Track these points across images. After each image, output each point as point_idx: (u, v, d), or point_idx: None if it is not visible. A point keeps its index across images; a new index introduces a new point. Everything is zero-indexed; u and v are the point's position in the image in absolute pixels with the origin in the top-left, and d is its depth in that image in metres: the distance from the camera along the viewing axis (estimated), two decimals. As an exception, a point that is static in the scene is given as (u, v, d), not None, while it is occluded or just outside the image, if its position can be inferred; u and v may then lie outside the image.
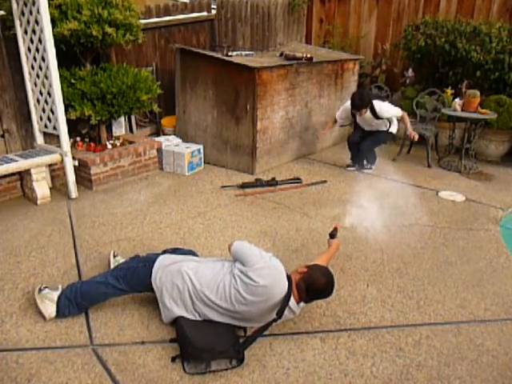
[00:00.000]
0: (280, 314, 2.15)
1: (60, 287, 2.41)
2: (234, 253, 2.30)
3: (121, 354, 2.15)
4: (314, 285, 2.21)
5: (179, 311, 2.25)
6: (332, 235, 2.79)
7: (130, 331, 2.30)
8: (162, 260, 2.37)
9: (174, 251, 2.64)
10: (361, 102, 4.47)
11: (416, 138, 4.65)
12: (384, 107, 4.55)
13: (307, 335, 2.33)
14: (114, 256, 2.83)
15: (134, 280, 2.33)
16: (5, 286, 2.64)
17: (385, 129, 4.69)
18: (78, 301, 2.33)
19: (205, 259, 2.46)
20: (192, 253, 2.71)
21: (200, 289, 2.20)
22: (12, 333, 2.26)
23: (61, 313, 2.33)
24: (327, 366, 2.13)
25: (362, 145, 4.76)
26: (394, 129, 4.75)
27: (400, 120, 4.70)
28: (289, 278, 2.24)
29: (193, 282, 2.22)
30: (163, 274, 2.29)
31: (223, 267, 2.28)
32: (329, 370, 2.11)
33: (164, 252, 2.64)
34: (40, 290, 2.38)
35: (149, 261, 2.38)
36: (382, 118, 4.57)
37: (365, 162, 4.90)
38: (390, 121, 4.67)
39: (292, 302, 2.21)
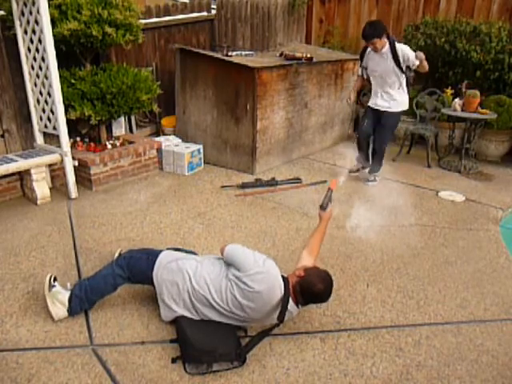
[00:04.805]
0: (281, 319, 2.14)
1: (68, 285, 2.40)
2: (227, 257, 2.26)
3: (121, 354, 2.15)
4: (310, 289, 2.17)
5: (178, 309, 2.25)
6: (323, 207, 2.58)
7: (129, 331, 2.30)
8: (164, 256, 2.37)
9: (177, 249, 2.63)
10: (371, 29, 3.82)
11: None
12: (404, 46, 3.98)
13: (307, 335, 2.33)
14: (120, 255, 2.83)
15: (136, 270, 2.35)
16: (5, 286, 2.64)
17: (397, 96, 4.17)
18: (89, 297, 2.34)
19: (205, 258, 2.44)
20: (194, 253, 2.71)
21: (198, 290, 2.20)
22: (12, 333, 2.26)
23: (73, 312, 2.35)
24: (327, 366, 2.13)
25: (377, 142, 4.34)
26: (404, 103, 4.23)
27: (418, 66, 4.03)
28: (285, 279, 2.21)
29: (192, 282, 2.22)
30: (164, 271, 2.29)
31: (221, 270, 2.25)
32: (329, 370, 2.11)
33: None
34: (50, 284, 2.36)
35: (152, 254, 2.39)
36: (400, 66, 4.00)
37: (369, 175, 4.50)
38: (401, 82, 4.13)
39: (291, 304, 2.19)
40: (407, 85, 4.24)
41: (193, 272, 2.25)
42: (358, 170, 4.66)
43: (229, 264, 2.26)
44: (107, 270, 2.38)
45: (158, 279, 2.30)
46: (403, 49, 4.00)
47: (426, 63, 4.05)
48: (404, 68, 4.06)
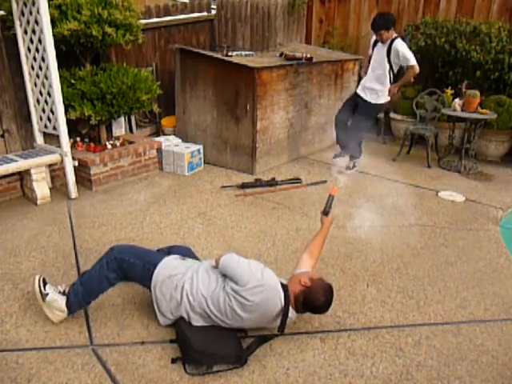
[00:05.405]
0: (282, 329, 2.13)
1: (60, 288, 2.34)
2: (223, 269, 2.19)
3: (121, 354, 2.15)
4: (313, 303, 2.16)
5: (176, 318, 2.25)
6: (326, 212, 2.59)
7: (129, 331, 2.30)
8: (162, 269, 2.28)
9: (170, 249, 2.60)
10: (381, 21, 4.11)
11: (394, 92, 4.45)
12: (403, 48, 4.15)
13: (307, 335, 2.33)
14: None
15: (130, 274, 2.31)
16: (5, 286, 2.64)
17: (379, 88, 4.39)
18: (87, 299, 2.32)
19: (201, 266, 2.33)
20: (187, 249, 2.68)
21: (196, 306, 2.17)
22: (12, 333, 2.26)
23: (74, 313, 2.34)
24: (327, 366, 2.13)
25: (351, 127, 4.54)
26: (383, 97, 4.44)
27: (407, 69, 4.27)
28: (285, 287, 2.16)
29: (189, 299, 2.18)
30: (163, 285, 2.23)
31: (217, 282, 2.19)
32: (329, 370, 2.11)
33: (158, 251, 2.60)
34: (42, 293, 2.27)
35: (148, 262, 2.30)
36: (390, 61, 4.24)
37: (348, 161, 4.72)
38: (385, 75, 4.34)
39: (290, 310, 2.17)
40: (392, 81, 4.43)
41: (190, 287, 2.20)
42: (340, 155, 4.80)
43: (225, 276, 2.20)
44: (99, 272, 2.27)
45: (157, 292, 2.25)
46: (398, 47, 4.17)
47: (406, 79, 4.40)
48: (394, 64, 4.31)
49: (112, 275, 2.28)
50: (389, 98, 4.54)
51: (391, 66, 4.32)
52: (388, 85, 4.43)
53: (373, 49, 4.46)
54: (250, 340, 2.21)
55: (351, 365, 2.14)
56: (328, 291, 2.20)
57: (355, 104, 4.58)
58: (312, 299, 2.16)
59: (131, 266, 2.28)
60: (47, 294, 2.27)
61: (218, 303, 2.14)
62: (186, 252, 2.63)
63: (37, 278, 2.31)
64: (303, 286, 2.17)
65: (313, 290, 2.16)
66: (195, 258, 2.66)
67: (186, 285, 2.20)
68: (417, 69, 4.24)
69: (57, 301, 2.27)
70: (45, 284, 2.32)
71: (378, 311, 2.55)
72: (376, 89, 4.42)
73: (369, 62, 4.59)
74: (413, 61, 4.21)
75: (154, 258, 2.35)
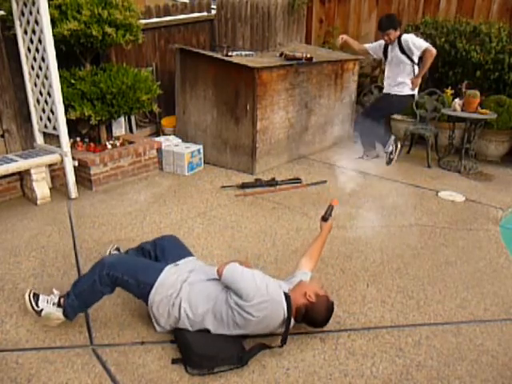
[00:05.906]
0: (284, 341, 2.13)
1: (53, 298, 2.27)
2: (226, 281, 2.13)
3: (121, 354, 2.15)
4: (314, 318, 2.19)
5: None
6: (325, 218, 2.65)
7: (129, 331, 2.30)
8: (158, 289, 2.20)
9: (155, 244, 2.56)
10: (388, 21, 4.32)
11: (417, 83, 4.57)
12: (411, 37, 4.35)
13: (307, 335, 2.33)
14: (117, 249, 2.82)
15: (124, 288, 2.26)
16: (5, 286, 2.64)
17: (402, 80, 4.52)
18: (83, 309, 2.30)
19: (197, 276, 2.27)
20: (174, 240, 2.64)
21: (196, 320, 2.15)
22: (12, 333, 2.26)
23: (73, 320, 2.31)
24: (327, 366, 2.13)
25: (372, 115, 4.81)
26: (407, 90, 4.61)
27: (423, 55, 4.40)
28: (288, 298, 2.15)
29: (188, 315, 2.16)
30: (161, 304, 2.19)
31: (217, 295, 2.15)
32: (329, 370, 2.11)
33: (142, 248, 2.57)
34: (36, 311, 2.22)
35: (143, 282, 2.20)
36: (407, 56, 4.39)
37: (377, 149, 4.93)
38: (406, 69, 4.51)
39: (292, 322, 2.18)
40: (417, 70, 4.61)
41: (188, 304, 2.16)
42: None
43: (227, 287, 2.15)
44: (93, 288, 2.20)
45: (154, 310, 2.22)
46: (407, 38, 4.37)
47: (426, 65, 4.52)
48: (412, 56, 4.46)
49: (106, 289, 2.23)
50: (415, 91, 4.67)
51: (412, 61, 4.45)
52: (409, 77, 4.60)
53: (384, 56, 4.59)
54: (251, 340, 2.21)
55: (351, 365, 2.14)
56: (330, 310, 2.23)
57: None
58: (314, 316, 2.18)
59: (125, 284, 2.22)
60: (41, 310, 2.23)
61: (220, 316, 2.11)
62: (174, 246, 2.57)
63: (26, 296, 2.25)
64: (308, 301, 2.17)
65: (316, 307, 2.17)
66: (185, 248, 2.61)
67: (182, 303, 2.16)
68: (433, 50, 4.34)
69: (53, 313, 2.24)
70: (37, 299, 2.25)
71: (378, 311, 2.55)
72: (402, 82, 4.57)
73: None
74: (426, 44, 4.34)
75: (149, 277, 2.23)
